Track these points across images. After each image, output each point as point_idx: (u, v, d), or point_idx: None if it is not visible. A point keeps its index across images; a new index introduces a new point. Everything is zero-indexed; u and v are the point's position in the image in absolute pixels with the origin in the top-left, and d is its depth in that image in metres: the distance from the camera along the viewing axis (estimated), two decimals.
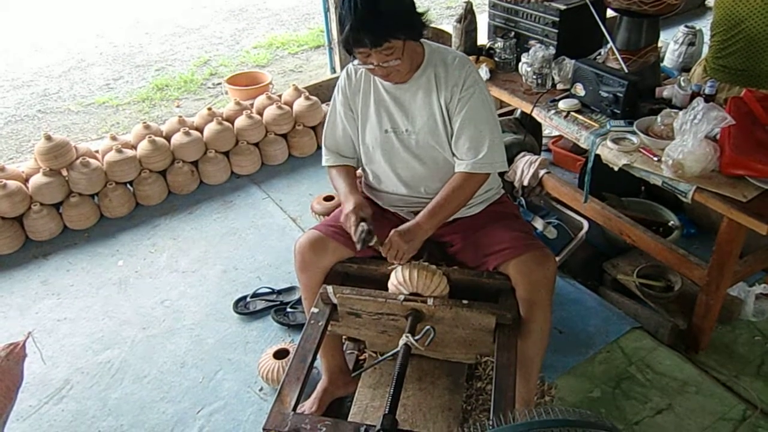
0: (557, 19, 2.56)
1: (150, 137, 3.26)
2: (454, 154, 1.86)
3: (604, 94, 2.27)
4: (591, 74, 2.30)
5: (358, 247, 1.78)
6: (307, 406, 2.09)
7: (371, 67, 1.72)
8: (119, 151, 3.20)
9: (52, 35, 5.90)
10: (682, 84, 2.30)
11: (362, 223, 1.78)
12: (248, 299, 2.63)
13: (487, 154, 1.79)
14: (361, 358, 2.27)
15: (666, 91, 2.34)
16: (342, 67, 4.13)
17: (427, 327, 1.67)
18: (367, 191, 2.06)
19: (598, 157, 2.20)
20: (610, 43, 2.42)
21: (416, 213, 1.89)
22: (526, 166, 2.72)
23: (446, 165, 1.88)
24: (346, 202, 1.85)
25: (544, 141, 3.36)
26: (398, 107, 1.85)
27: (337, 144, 1.99)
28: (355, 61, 1.76)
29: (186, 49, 5.50)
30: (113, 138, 3.34)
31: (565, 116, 2.36)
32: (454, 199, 1.81)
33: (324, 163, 2.02)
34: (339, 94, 1.94)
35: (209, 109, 3.54)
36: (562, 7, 2.54)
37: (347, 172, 1.97)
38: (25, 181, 3.10)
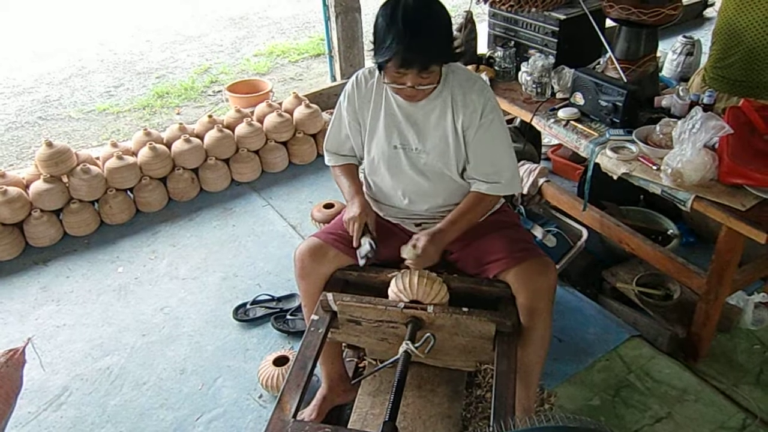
0: (557, 28, 2.58)
1: (150, 144, 3.27)
2: (465, 175, 1.86)
3: (604, 103, 2.28)
4: (590, 83, 2.31)
5: (361, 263, 1.79)
6: (307, 413, 2.08)
7: (402, 87, 1.68)
8: (120, 157, 3.21)
9: (53, 42, 5.91)
10: (681, 93, 2.31)
11: (367, 239, 1.80)
12: (248, 306, 2.63)
13: (507, 179, 1.84)
14: (361, 365, 2.27)
15: (665, 101, 2.36)
16: (342, 75, 4.15)
17: (428, 334, 1.67)
18: (369, 201, 2.05)
19: (597, 165, 2.21)
20: (609, 53, 2.43)
21: (418, 225, 1.90)
22: (525, 175, 2.73)
23: (452, 183, 1.88)
24: (351, 205, 1.86)
25: (543, 150, 3.37)
26: (410, 125, 1.83)
27: (339, 146, 2.00)
28: (385, 79, 1.70)
29: (186, 57, 5.52)
30: (114, 145, 3.34)
31: (565, 125, 2.37)
32: (473, 211, 1.84)
33: (327, 162, 2.04)
34: (346, 101, 1.91)
35: (210, 116, 3.55)
36: (562, 17, 2.55)
37: (350, 171, 1.98)
38: (26, 187, 3.10)
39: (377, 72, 1.78)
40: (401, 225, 1.98)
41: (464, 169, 1.87)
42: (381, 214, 2.01)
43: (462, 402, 2.00)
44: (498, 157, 1.82)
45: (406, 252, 1.73)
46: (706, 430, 2.04)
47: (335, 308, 1.79)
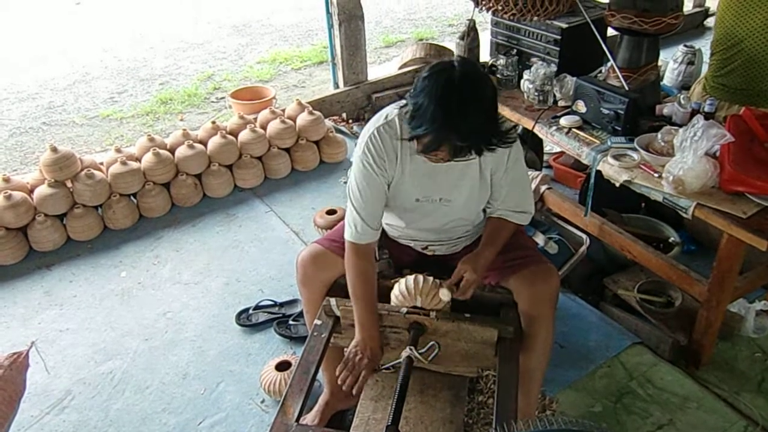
0: (559, 37, 2.60)
1: (154, 150, 3.29)
2: (491, 204, 1.86)
3: (606, 111, 2.29)
4: (592, 91, 2.33)
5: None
6: (309, 419, 2.08)
7: (436, 159, 1.61)
8: (123, 163, 3.22)
9: (57, 49, 5.94)
10: (682, 102, 2.33)
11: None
12: (250, 311, 2.64)
13: (530, 209, 1.87)
14: None
15: (666, 109, 2.37)
16: (345, 83, 4.17)
17: (432, 342, 1.68)
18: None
19: (599, 173, 2.22)
20: (611, 61, 2.45)
21: (425, 248, 1.93)
22: None
23: (462, 226, 1.88)
24: (362, 341, 1.74)
25: (545, 157, 3.38)
26: (433, 177, 1.76)
27: (375, 218, 1.78)
28: (418, 148, 1.58)
29: (190, 64, 5.55)
30: (118, 150, 3.36)
31: (567, 133, 2.38)
32: (504, 235, 1.84)
33: (356, 238, 1.76)
34: (373, 164, 1.72)
35: (213, 122, 3.57)
36: (564, 26, 2.57)
37: (371, 293, 1.77)
38: (30, 192, 3.12)
39: (396, 126, 1.71)
40: (409, 245, 1.99)
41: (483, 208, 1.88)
42: (389, 234, 1.99)
43: (464, 407, 2.01)
44: (522, 191, 1.84)
45: (445, 294, 1.71)
46: None
47: (338, 313, 1.80)
